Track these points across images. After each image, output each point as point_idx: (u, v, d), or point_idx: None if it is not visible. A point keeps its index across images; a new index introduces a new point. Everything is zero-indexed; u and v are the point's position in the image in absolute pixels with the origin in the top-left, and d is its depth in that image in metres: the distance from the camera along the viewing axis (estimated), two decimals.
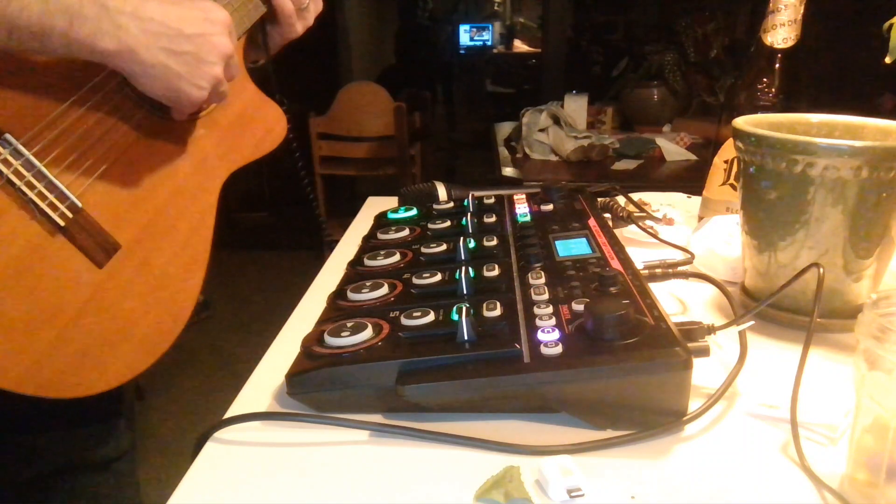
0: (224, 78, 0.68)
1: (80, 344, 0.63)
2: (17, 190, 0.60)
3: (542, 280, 0.62)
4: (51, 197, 0.62)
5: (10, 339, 0.59)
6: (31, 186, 0.61)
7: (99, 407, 0.77)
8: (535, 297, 0.59)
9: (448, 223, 0.80)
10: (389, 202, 1.04)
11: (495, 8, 7.22)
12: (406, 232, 0.80)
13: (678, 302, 0.76)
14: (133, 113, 0.69)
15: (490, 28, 6.71)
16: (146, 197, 0.70)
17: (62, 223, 0.63)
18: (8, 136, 0.60)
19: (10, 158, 0.60)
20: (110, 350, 0.66)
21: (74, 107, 0.64)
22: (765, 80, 0.90)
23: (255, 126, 0.82)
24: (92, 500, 0.81)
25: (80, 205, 0.64)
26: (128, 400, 0.83)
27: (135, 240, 0.68)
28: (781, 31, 0.87)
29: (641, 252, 0.81)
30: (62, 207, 0.63)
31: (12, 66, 0.60)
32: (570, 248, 0.69)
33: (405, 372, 0.52)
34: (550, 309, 0.56)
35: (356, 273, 0.71)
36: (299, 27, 0.84)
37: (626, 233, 0.90)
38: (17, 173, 0.60)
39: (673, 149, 2.33)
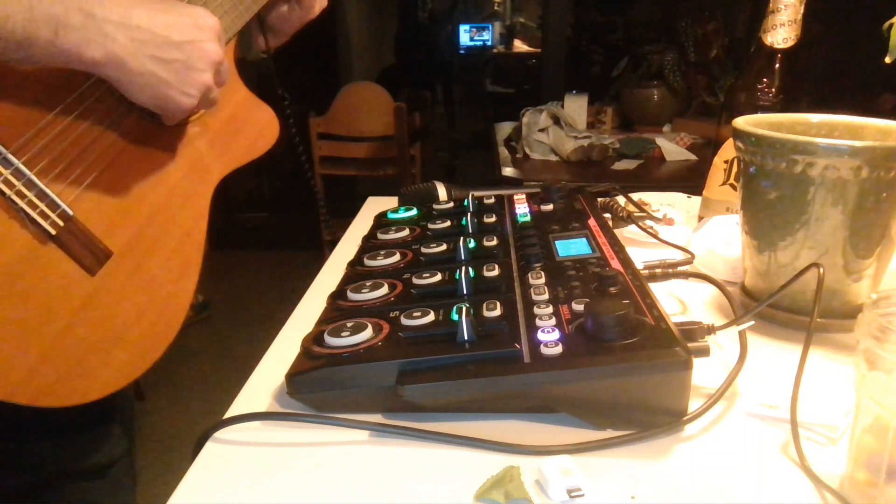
0: (214, 85, 0.67)
1: (73, 352, 0.63)
2: (7, 199, 0.60)
3: (542, 280, 0.62)
4: (41, 205, 0.61)
5: (3, 349, 0.59)
6: (22, 195, 0.60)
7: (92, 414, 0.77)
8: (535, 297, 0.59)
9: (448, 223, 0.80)
10: (389, 202, 1.04)
11: (495, 8, 7.21)
12: (406, 232, 0.80)
13: (678, 302, 0.76)
14: (123, 119, 0.68)
15: (490, 28, 6.70)
16: (137, 203, 0.70)
17: (53, 231, 0.62)
18: None
19: (0, 168, 0.59)
20: (104, 357, 0.66)
21: (63, 114, 0.64)
22: (765, 80, 0.90)
23: (246, 129, 0.81)
24: None
25: (71, 212, 0.64)
26: (123, 405, 0.83)
27: (126, 246, 0.68)
28: (781, 31, 0.87)
29: (641, 252, 0.81)
30: (53, 216, 0.62)
31: (0, 73, 0.60)
32: (570, 248, 0.69)
33: (405, 372, 0.52)
34: (550, 309, 0.56)
35: (356, 273, 0.71)
36: (317, 7, 0.84)
37: (626, 233, 0.90)
38: (6, 182, 0.60)
39: (673, 149, 2.33)
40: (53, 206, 0.62)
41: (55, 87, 0.64)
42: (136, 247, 0.69)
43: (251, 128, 0.81)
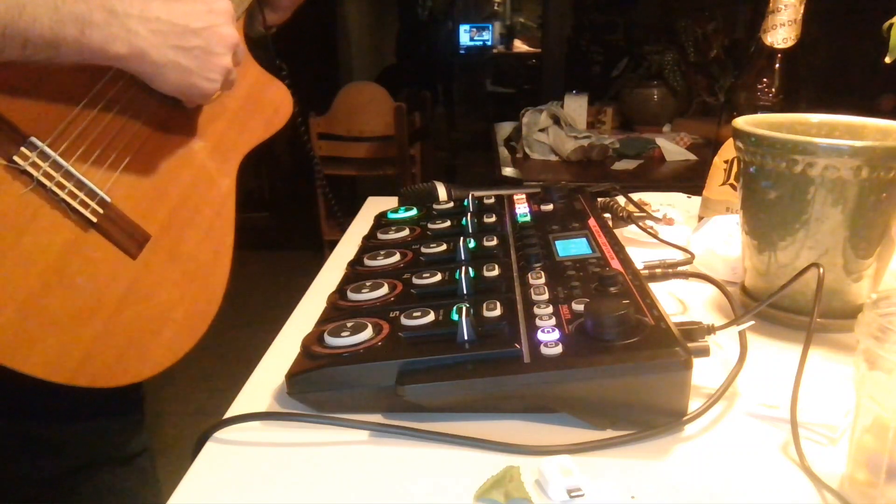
0: (233, 67, 0.69)
1: (124, 333, 0.66)
2: (48, 191, 0.61)
3: (542, 280, 0.62)
4: (81, 195, 0.63)
5: (60, 335, 0.61)
6: (62, 186, 0.62)
7: (123, 400, 0.79)
8: (535, 297, 0.59)
9: (448, 223, 0.80)
10: (389, 202, 1.04)
11: (495, 8, 7.21)
12: (406, 232, 0.80)
13: (678, 302, 0.76)
14: (146, 105, 0.70)
15: (490, 28, 6.71)
16: (169, 186, 0.72)
17: (94, 219, 0.64)
18: (33, 139, 0.61)
19: (39, 161, 0.61)
20: (153, 336, 0.68)
21: (90, 105, 0.66)
22: (765, 80, 0.90)
23: (263, 106, 0.83)
24: (116, 495, 0.82)
25: (109, 199, 0.65)
26: (145, 396, 0.84)
27: (163, 229, 0.70)
28: (781, 31, 0.87)
29: (641, 252, 0.81)
30: (93, 204, 0.64)
31: (28, 71, 0.61)
32: (570, 248, 0.69)
33: (405, 372, 0.52)
34: (550, 309, 0.56)
35: (356, 273, 0.71)
36: None
37: (626, 233, 0.90)
38: (46, 175, 0.61)
39: (673, 149, 2.33)
40: (92, 194, 0.64)
41: (79, 79, 0.65)
42: (171, 228, 0.71)
43: (267, 104, 0.83)
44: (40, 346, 0.60)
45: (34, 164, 0.60)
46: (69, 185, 0.62)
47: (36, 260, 0.60)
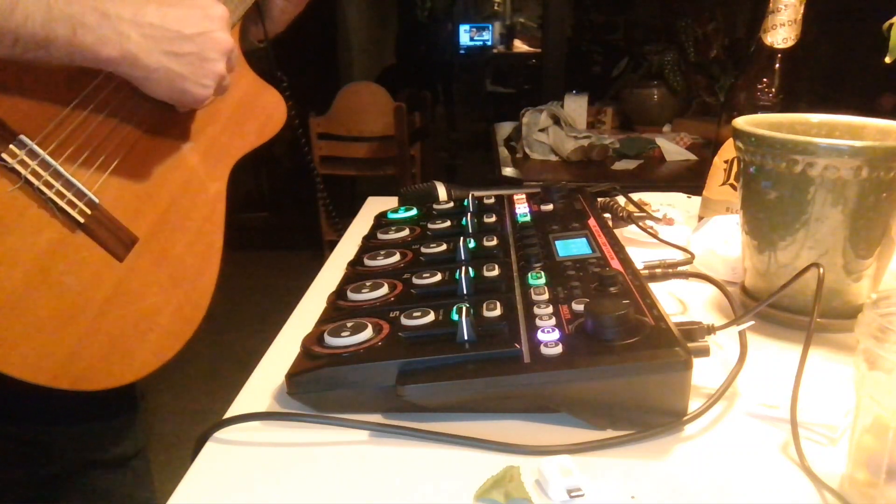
0: (226, 72, 0.68)
1: (108, 336, 0.65)
2: (35, 190, 0.61)
3: (543, 280, 0.62)
4: (69, 195, 0.63)
5: (43, 336, 0.61)
6: (49, 185, 0.62)
7: (115, 402, 0.79)
8: (535, 297, 0.59)
9: (448, 223, 0.80)
10: (389, 202, 1.04)
11: (495, 8, 7.21)
12: (406, 232, 0.80)
13: (678, 302, 0.76)
14: (138, 107, 0.70)
15: (490, 28, 6.70)
16: (158, 189, 0.71)
17: (81, 220, 0.64)
18: (23, 137, 0.61)
19: (27, 159, 0.61)
20: (137, 340, 0.68)
21: (81, 106, 0.65)
22: (765, 80, 0.90)
23: (256, 112, 0.83)
24: (109, 498, 0.81)
25: (97, 200, 0.65)
26: (140, 398, 0.84)
27: (151, 232, 0.70)
28: (781, 31, 0.87)
29: (641, 252, 0.81)
30: (80, 204, 0.64)
31: (19, 70, 0.61)
32: (570, 248, 0.69)
33: (405, 372, 0.52)
34: (550, 309, 0.56)
35: (356, 273, 0.71)
36: None
37: (626, 233, 0.90)
38: (34, 173, 0.61)
39: (673, 149, 2.33)
40: (80, 194, 0.64)
41: (72, 79, 0.65)
42: (159, 232, 0.70)
43: (260, 111, 0.83)
44: (22, 346, 0.59)
45: (22, 163, 0.60)
46: (57, 185, 0.62)
47: (20, 259, 0.60)
